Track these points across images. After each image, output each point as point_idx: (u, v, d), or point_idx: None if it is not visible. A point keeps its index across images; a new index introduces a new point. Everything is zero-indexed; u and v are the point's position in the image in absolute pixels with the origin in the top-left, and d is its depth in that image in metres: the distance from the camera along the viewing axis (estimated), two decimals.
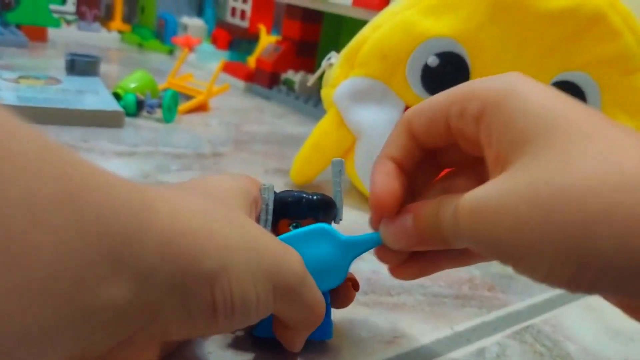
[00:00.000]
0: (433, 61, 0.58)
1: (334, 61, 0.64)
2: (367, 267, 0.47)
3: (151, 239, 0.22)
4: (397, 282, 0.46)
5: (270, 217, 0.35)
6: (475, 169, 0.32)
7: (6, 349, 0.17)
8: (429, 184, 0.34)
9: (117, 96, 0.86)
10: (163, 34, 1.69)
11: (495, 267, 0.52)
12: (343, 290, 0.36)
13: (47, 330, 0.18)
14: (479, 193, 0.26)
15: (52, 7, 1.43)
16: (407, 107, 0.60)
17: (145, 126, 0.82)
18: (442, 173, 0.34)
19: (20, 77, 0.87)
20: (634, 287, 0.22)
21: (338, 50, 0.65)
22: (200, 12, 1.96)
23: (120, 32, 1.71)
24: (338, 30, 1.25)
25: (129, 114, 0.84)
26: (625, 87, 0.59)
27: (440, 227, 0.28)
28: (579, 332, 0.44)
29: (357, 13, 0.94)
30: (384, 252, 0.33)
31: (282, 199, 0.35)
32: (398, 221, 0.31)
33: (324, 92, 0.65)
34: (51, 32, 1.43)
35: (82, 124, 0.76)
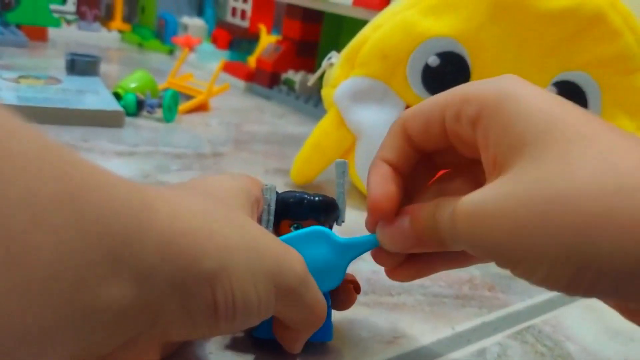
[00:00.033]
0: (433, 61, 0.58)
1: (335, 61, 0.64)
2: (367, 268, 0.47)
3: (151, 239, 0.22)
4: (397, 282, 0.46)
5: (272, 218, 0.35)
6: (471, 171, 0.32)
7: (6, 348, 0.17)
8: (425, 186, 0.34)
9: (117, 96, 0.86)
10: (163, 34, 1.68)
11: (495, 268, 0.51)
12: (344, 293, 0.36)
13: (47, 330, 0.18)
14: (476, 196, 0.26)
15: (53, 6, 1.43)
16: (407, 107, 0.60)
17: (145, 126, 0.82)
18: (438, 174, 0.34)
19: (20, 77, 0.87)
20: (632, 290, 0.22)
21: (338, 50, 0.65)
22: (200, 12, 1.95)
23: (120, 32, 1.71)
24: (338, 30, 1.25)
25: (129, 114, 0.84)
26: (626, 87, 0.59)
27: (438, 229, 0.28)
28: (580, 332, 0.43)
29: (358, 13, 0.94)
30: (380, 254, 0.33)
31: (284, 200, 0.35)
32: (395, 223, 0.31)
33: (324, 92, 0.65)
34: (51, 31, 1.43)
35: (82, 124, 0.76)
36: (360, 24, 0.68)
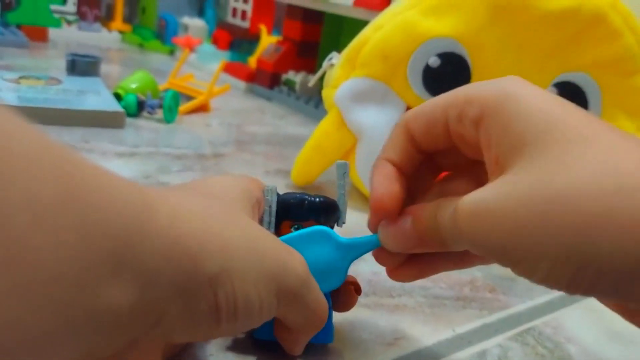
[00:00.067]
0: (434, 62, 0.58)
1: (335, 62, 0.64)
2: (368, 269, 0.47)
3: (153, 241, 0.22)
4: (398, 283, 0.46)
5: (273, 219, 0.35)
6: (474, 172, 0.32)
7: (7, 349, 0.17)
8: (427, 187, 0.34)
9: (117, 97, 0.86)
10: (164, 35, 1.69)
11: (496, 269, 0.52)
12: (345, 294, 0.36)
13: (48, 331, 0.18)
14: (477, 196, 0.26)
15: (53, 7, 1.43)
16: (408, 108, 0.60)
17: (146, 127, 0.82)
18: (441, 176, 0.34)
19: (21, 78, 0.87)
20: (631, 290, 0.22)
21: (339, 51, 0.65)
22: (201, 13, 1.96)
23: (121, 32, 1.71)
24: (339, 31, 1.25)
25: (129, 115, 0.84)
26: (626, 88, 0.59)
27: (439, 229, 0.28)
28: (580, 333, 0.43)
29: (358, 13, 0.94)
30: (382, 254, 0.33)
31: (285, 201, 0.35)
32: (397, 224, 0.31)
33: (325, 93, 0.65)
34: (52, 32, 1.43)
35: (82, 125, 0.76)
36: (360, 24, 0.68)
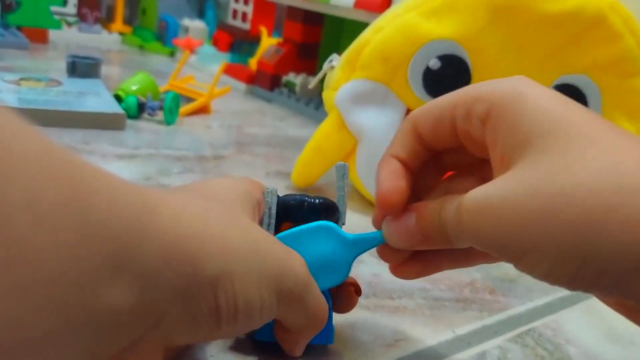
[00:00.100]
0: (434, 64, 0.58)
1: (336, 64, 0.64)
2: (368, 271, 0.47)
3: (153, 243, 0.22)
4: (398, 285, 0.46)
5: (273, 221, 0.35)
6: (480, 171, 0.32)
7: (7, 350, 0.17)
8: (432, 185, 0.34)
9: (118, 98, 0.86)
10: (164, 36, 1.69)
11: (496, 271, 0.52)
12: (345, 295, 0.36)
13: (48, 332, 0.18)
14: (481, 192, 0.26)
15: (53, 8, 1.43)
16: (408, 110, 0.60)
17: (146, 128, 0.82)
18: (446, 175, 0.34)
19: (21, 79, 0.87)
20: (633, 287, 0.23)
21: (339, 53, 0.65)
22: (201, 14, 1.96)
23: (121, 34, 1.71)
24: (339, 33, 1.25)
25: (130, 116, 0.84)
26: (626, 90, 0.59)
27: (443, 226, 0.28)
28: (580, 335, 0.43)
29: (359, 15, 0.94)
30: (386, 250, 0.33)
31: (285, 203, 0.35)
32: (401, 220, 0.31)
33: (325, 95, 0.65)
34: (52, 33, 1.43)
35: (83, 126, 0.76)
36: (361, 26, 0.68)
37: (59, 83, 0.89)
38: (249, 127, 0.96)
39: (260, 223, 0.34)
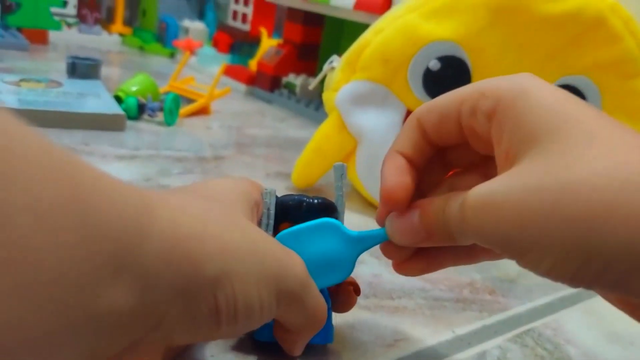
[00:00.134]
0: (434, 65, 0.58)
1: (336, 65, 0.64)
2: (368, 271, 0.47)
3: (153, 244, 0.22)
4: (398, 285, 0.46)
5: (272, 222, 0.35)
6: (484, 169, 0.32)
7: (7, 350, 0.17)
8: (437, 182, 0.34)
9: (118, 99, 0.86)
10: (164, 37, 1.69)
11: (496, 271, 0.52)
12: (344, 295, 0.36)
13: (48, 332, 0.18)
14: (485, 188, 0.26)
15: (53, 9, 1.43)
16: (408, 111, 0.60)
17: (146, 129, 0.82)
18: (450, 173, 0.34)
19: (21, 80, 0.87)
20: (635, 284, 0.23)
21: (340, 54, 0.65)
22: (201, 15, 1.96)
23: (121, 35, 1.71)
24: (339, 34, 1.25)
25: (130, 117, 0.84)
26: (626, 91, 0.59)
27: (447, 223, 0.28)
28: (580, 335, 0.44)
29: (359, 17, 0.94)
30: (389, 247, 0.33)
31: (283, 203, 0.35)
32: (404, 217, 0.31)
33: (325, 96, 0.65)
34: (52, 34, 1.43)
35: (83, 127, 0.76)
36: (361, 27, 0.68)
37: (59, 84, 0.89)
38: (249, 128, 0.96)
39: (259, 224, 0.35)
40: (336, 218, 0.36)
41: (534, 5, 0.55)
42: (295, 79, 1.17)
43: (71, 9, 1.65)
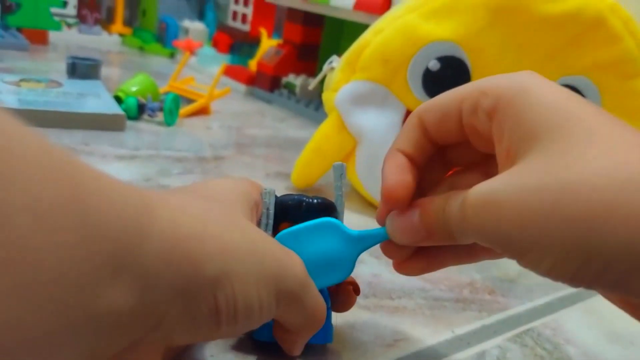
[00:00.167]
0: (434, 65, 0.58)
1: (336, 65, 0.64)
2: (368, 271, 0.47)
3: (152, 244, 0.22)
4: (398, 285, 0.46)
5: (271, 222, 0.35)
6: (485, 167, 0.32)
7: (7, 350, 0.17)
8: (437, 181, 0.34)
9: (118, 99, 0.86)
10: (164, 37, 1.69)
11: (495, 271, 0.52)
12: (344, 294, 0.36)
13: (48, 332, 0.18)
14: (486, 186, 0.26)
15: (53, 10, 1.43)
16: (408, 111, 0.60)
17: (146, 130, 0.82)
18: (451, 172, 0.34)
19: (21, 80, 0.87)
20: (636, 284, 0.22)
21: (339, 54, 0.65)
22: (201, 16, 1.96)
23: (121, 35, 1.71)
24: (339, 34, 1.25)
25: (130, 118, 0.84)
26: (626, 91, 0.59)
27: (447, 222, 0.28)
28: (580, 335, 0.44)
29: (359, 17, 0.94)
30: (389, 247, 0.33)
31: (283, 203, 0.35)
32: (405, 216, 0.31)
33: (325, 96, 0.65)
34: (52, 35, 1.44)
35: (83, 128, 0.76)
36: (361, 28, 0.68)
37: (59, 84, 0.89)
38: (248, 128, 0.96)
39: (258, 224, 0.35)
40: (336, 218, 0.36)
41: (533, 5, 0.55)
42: (295, 79, 1.17)
43: (71, 9, 1.65)
